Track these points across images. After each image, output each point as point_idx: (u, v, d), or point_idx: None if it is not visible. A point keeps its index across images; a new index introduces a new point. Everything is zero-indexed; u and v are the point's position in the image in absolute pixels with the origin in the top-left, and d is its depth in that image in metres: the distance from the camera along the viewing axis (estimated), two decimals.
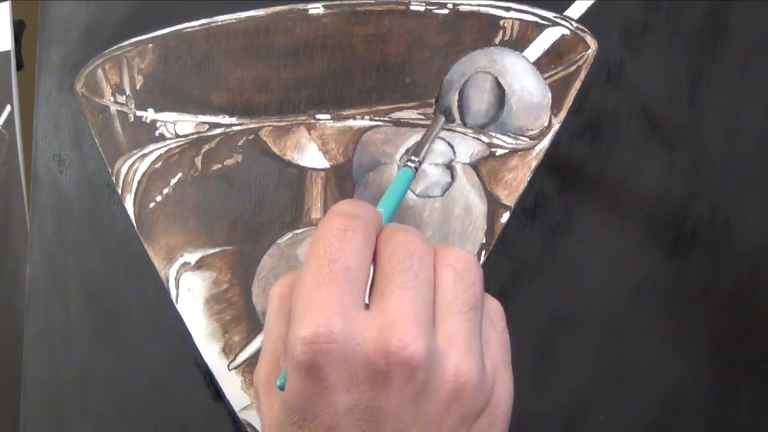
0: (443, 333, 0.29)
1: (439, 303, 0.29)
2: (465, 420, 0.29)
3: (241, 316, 0.45)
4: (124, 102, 0.47)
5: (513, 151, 0.42)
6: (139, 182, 0.47)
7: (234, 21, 0.45)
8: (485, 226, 0.42)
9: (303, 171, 0.44)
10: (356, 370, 0.27)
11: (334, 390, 0.27)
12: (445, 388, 0.28)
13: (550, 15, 0.42)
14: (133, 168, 0.47)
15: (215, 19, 0.45)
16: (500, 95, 0.42)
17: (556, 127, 0.42)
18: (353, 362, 0.27)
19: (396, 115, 0.43)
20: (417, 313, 0.28)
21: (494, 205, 0.42)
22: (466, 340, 0.29)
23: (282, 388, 0.28)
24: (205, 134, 0.45)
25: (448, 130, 0.42)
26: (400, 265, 0.29)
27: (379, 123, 0.43)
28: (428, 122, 0.42)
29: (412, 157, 0.37)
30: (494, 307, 0.32)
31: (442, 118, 0.39)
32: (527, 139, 0.42)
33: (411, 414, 0.28)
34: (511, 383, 0.31)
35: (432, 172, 0.42)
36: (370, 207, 0.32)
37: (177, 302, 0.46)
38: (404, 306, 0.28)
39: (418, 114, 0.43)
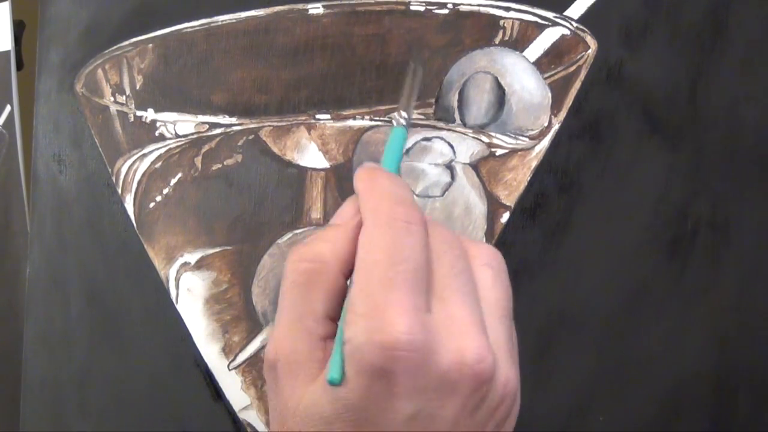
0: (492, 341, 0.28)
1: (483, 307, 0.29)
2: (500, 423, 0.29)
3: (241, 316, 0.45)
4: (124, 102, 0.47)
5: (513, 151, 0.42)
6: (139, 182, 0.47)
7: (234, 21, 0.45)
8: (485, 226, 0.42)
9: (303, 171, 0.44)
10: (428, 379, 0.27)
11: (401, 396, 0.27)
12: (497, 397, 0.28)
13: (550, 15, 0.42)
14: (133, 168, 0.47)
15: (215, 19, 0.45)
16: (500, 95, 0.42)
17: (556, 127, 0.42)
18: (426, 371, 0.27)
19: None
20: (480, 321, 0.28)
21: (494, 205, 0.42)
22: (509, 348, 0.29)
23: (334, 383, 0.27)
24: (205, 134, 0.45)
25: (448, 129, 0.42)
26: (453, 269, 0.29)
27: (379, 123, 0.43)
28: (427, 122, 0.42)
29: (401, 112, 0.35)
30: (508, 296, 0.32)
31: (420, 69, 0.38)
32: (527, 139, 0.42)
33: (467, 422, 0.28)
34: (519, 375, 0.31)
35: (432, 172, 0.42)
36: (407, 186, 0.31)
37: (177, 302, 0.46)
38: (468, 314, 0.28)
39: (419, 114, 0.43)
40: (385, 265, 0.27)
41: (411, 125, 0.36)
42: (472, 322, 0.28)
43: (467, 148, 0.42)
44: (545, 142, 0.42)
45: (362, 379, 0.27)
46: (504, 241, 0.42)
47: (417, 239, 0.28)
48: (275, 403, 0.29)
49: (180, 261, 0.46)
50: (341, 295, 0.29)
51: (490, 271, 0.30)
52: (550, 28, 0.42)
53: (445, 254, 0.29)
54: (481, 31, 0.42)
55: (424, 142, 0.42)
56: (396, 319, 0.26)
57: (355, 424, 0.27)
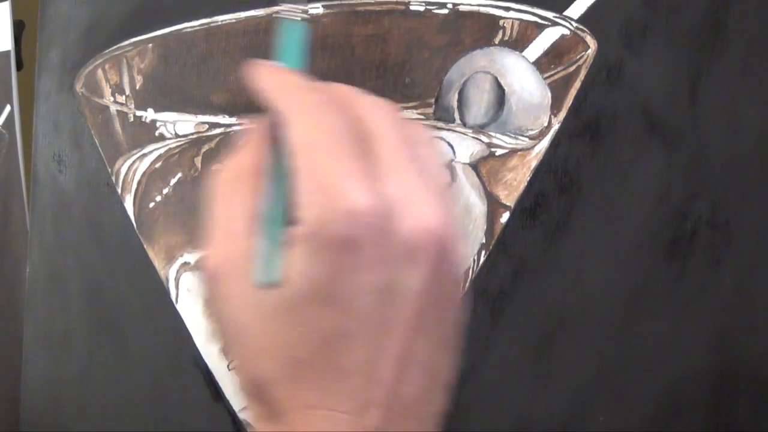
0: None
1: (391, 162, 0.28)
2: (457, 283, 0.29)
3: None
4: (124, 102, 0.47)
5: (513, 151, 0.42)
6: (139, 182, 0.47)
7: (234, 21, 0.45)
8: (485, 226, 0.42)
9: None
10: (392, 247, 0.26)
11: (368, 268, 0.26)
12: (454, 261, 0.28)
13: (549, 15, 0.42)
14: (133, 168, 0.47)
15: (215, 19, 0.45)
16: (500, 95, 0.42)
17: (556, 127, 0.42)
18: (391, 239, 0.26)
19: None
20: (434, 187, 0.27)
21: (494, 205, 0.42)
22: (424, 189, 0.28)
23: (276, 284, 0.26)
24: (204, 134, 0.45)
25: (448, 129, 0.42)
26: (391, 134, 0.28)
27: None
28: (427, 122, 0.42)
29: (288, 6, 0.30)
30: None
31: None
32: (527, 139, 0.42)
33: (434, 295, 0.27)
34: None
35: None
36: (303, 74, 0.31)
37: (177, 302, 0.46)
38: (422, 181, 0.27)
39: (418, 114, 0.43)
40: (326, 141, 0.27)
41: (307, 17, 0.31)
42: (427, 189, 0.27)
43: (467, 148, 0.42)
44: (545, 142, 0.42)
45: (324, 254, 0.26)
46: (504, 241, 0.42)
47: (346, 114, 0.28)
48: (223, 312, 0.28)
49: (180, 261, 0.46)
50: (259, 197, 0.29)
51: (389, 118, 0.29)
52: (550, 28, 0.42)
53: (382, 125, 0.28)
54: (481, 31, 0.42)
55: None
56: (353, 186, 0.26)
57: (321, 301, 0.26)
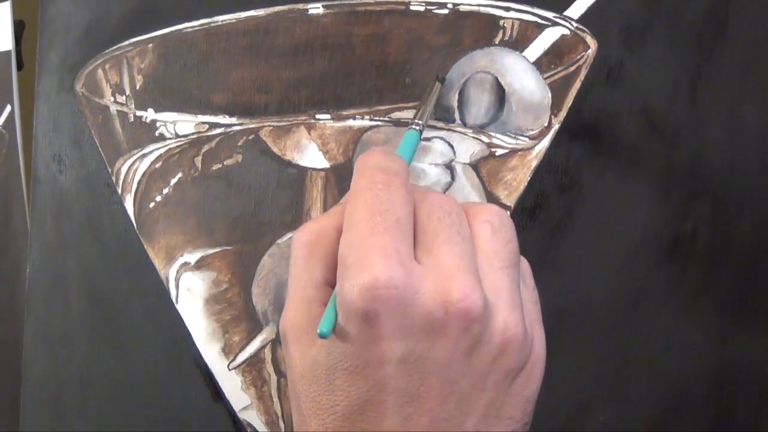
0: (489, 288, 0.29)
1: (480, 258, 0.29)
2: (508, 375, 0.29)
3: (241, 316, 0.45)
4: (124, 102, 0.47)
5: (513, 151, 0.42)
6: (139, 182, 0.47)
7: (234, 21, 0.45)
8: None
9: (303, 171, 0.44)
10: (413, 319, 0.27)
11: (388, 338, 0.27)
12: (495, 342, 0.28)
13: (550, 15, 0.42)
14: (133, 168, 0.47)
15: (215, 19, 0.45)
16: (500, 95, 0.42)
17: (556, 127, 0.42)
18: (411, 311, 0.27)
19: (396, 115, 0.43)
20: (470, 267, 0.28)
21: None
22: (510, 296, 0.29)
23: (323, 336, 0.28)
24: (205, 134, 0.45)
25: (448, 130, 0.42)
26: (442, 222, 0.29)
27: (379, 123, 0.43)
28: (428, 122, 0.42)
29: (417, 121, 0.36)
30: (524, 265, 0.32)
31: (438, 84, 0.39)
32: (527, 139, 0.42)
33: (462, 366, 0.28)
34: (544, 341, 0.31)
35: (432, 172, 0.42)
36: (401, 160, 0.32)
37: (177, 302, 0.46)
38: (456, 260, 0.28)
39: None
40: (366, 217, 0.28)
41: (423, 130, 0.38)
42: (459, 267, 0.28)
43: (467, 148, 0.42)
44: (545, 142, 0.42)
45: (350, 326, 0.27)
46: None
47: (399, 196, 0.29)
48: (289, 372, 0.30)
49: (180, 261, 0.46)
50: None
51: (488, 226, 0.30)
52: (550, 28, 0.42)
53: (434, 212, 0.30)
54: (481, 31, 0.42)
55: (424, 142, 0.42)
56: (375, 260, 0.27)
57: (351, 371, 0.27)
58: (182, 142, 0.46)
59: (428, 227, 0.29)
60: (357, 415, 0.27)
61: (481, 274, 0.29)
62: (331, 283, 0.30)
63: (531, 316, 0.31)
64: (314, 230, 0.31)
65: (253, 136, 0.45)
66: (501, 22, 0.42)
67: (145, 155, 0.47)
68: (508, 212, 0.42)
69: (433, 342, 0.27)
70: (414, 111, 0.42)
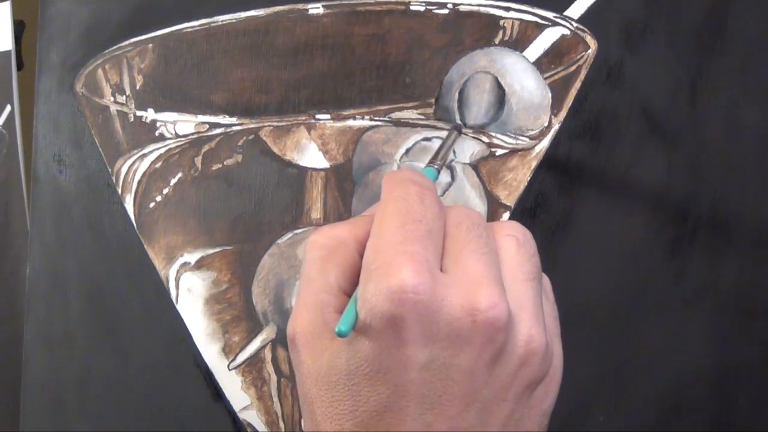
0: (513, 299, 0.29)
1: (505, 271, 0.29)
2: (529, 386, 0.29)
3: (241, 316, 0.45)
4: (124, 102, 0.47)
5: (513, 151, 0.42)
6: (139, 182, 0.47)
7: (234, 21, 0.45)
8: None
9: (303, 171, 0.44)
10: (439, 326, 0.27)
11: (413, 344, 0.27)
12: (518, 353, 0.28)
13: (550, 15, 0.42)
14: (133, 168, 0.47)
15: (215, 19, 0.45)
16: (500, 95, 0.42)
17: (556, 127, 0.42)
18: (437, 317, 0.27)
19: (396, 115, 0.43)
20: (497, 277, 0.28)
21: (494, 205, 0.42)
22: (533, 308, 0.29)
23: (342, 335, 0.27)
24: (205, 134, 0.45)
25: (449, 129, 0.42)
26: (471, 232, 0.29)
27: (379, 123, 0.43)
28: (427, 122, 0.42)
29: (436, 161, 0.37)
30: (546, 280, 0.32)
31: (456, 133, 0.40)
32: (527, 139, 0.42)
33: (484, 376, 0.28)
34: (562, 356, 0.31)
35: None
36: (429, 180, 0.33)
37: (177, 302, 0.46)
38: (484, 270, 0.28)
39: (418, 114, 0.43)
40: (397, 225, 0.28)
41: (440, 170, 0.38)
42: (487, 276, 0.28)
43: (467, 148, 0.42)
44: (545, 142, 0.42)
45: (373, 329, 0.27)
46: None
47: (432, 209, 0.29)
48: (299, 377, 0.30)
49: (180, 261, 0.46)
50: (356, 273, 0.30)
51: (513, 240, 0.30)
52: (550, 28, 0.42)
53: (463, 224, 0.30)
54: (481, 31, 0.42)
55: (424, 142, 0.42)
56: (403, 266, 0.27)
57: (372, 376, 0.27)
58: (182, 142, 0.46)
59: (457, 236, 0.29)
60: (376, 420, 0.27)
61: (505, 285, 0.29)
62: (346, 292, 0.30)
63: (551, 331, 0.31)
64: (333, 236, 0.31)
65: (253, 136, 0.45)
66: (501, 22, 0.42)
67: (145, 155, 0.47)
68: (508, 212, 0.42)
69: (457, 350, 0.27)
70: (413, 111, 0.42)
